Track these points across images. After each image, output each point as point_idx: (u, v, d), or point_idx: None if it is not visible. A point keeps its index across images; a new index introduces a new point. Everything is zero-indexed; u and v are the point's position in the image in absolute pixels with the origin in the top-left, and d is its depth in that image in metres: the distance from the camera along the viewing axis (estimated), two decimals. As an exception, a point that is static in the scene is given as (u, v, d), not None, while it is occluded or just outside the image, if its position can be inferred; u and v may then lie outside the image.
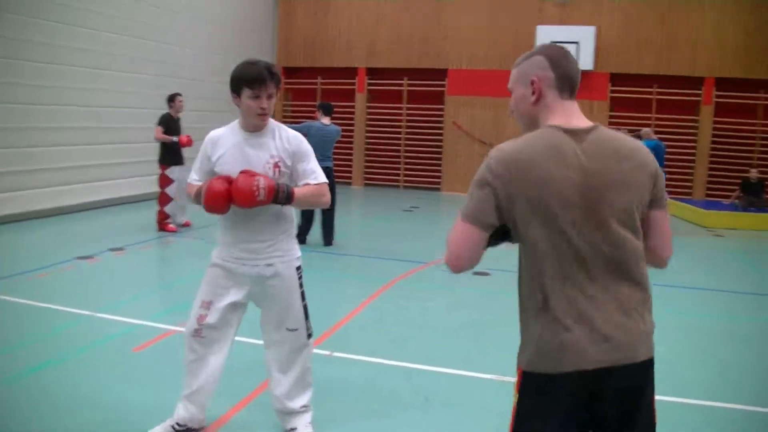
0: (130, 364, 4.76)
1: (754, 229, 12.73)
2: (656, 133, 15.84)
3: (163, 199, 9.76)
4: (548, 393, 2.02)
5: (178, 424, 3.61)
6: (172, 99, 9.86)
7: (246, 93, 3.30)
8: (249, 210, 3.29)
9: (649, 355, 2.04)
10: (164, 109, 9.87)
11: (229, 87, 3.36)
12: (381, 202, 15.25)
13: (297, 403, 3.69)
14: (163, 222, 9.79)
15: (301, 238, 9.04)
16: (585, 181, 1.99)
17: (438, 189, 17.27)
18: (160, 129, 9.61)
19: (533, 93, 2.14)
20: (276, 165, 3.40)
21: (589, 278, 1.99)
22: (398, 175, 17.55)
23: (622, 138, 2.12)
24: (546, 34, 15.83)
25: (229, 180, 3.26)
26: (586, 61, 15.78)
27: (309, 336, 3.66)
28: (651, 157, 2.11)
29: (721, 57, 15.62)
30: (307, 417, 3.74)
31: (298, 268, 3.61)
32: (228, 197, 3.22)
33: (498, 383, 4.64)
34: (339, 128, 9.33)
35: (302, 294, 3.62)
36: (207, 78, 14.69)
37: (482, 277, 7.92)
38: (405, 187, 17.41)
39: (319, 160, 9.09)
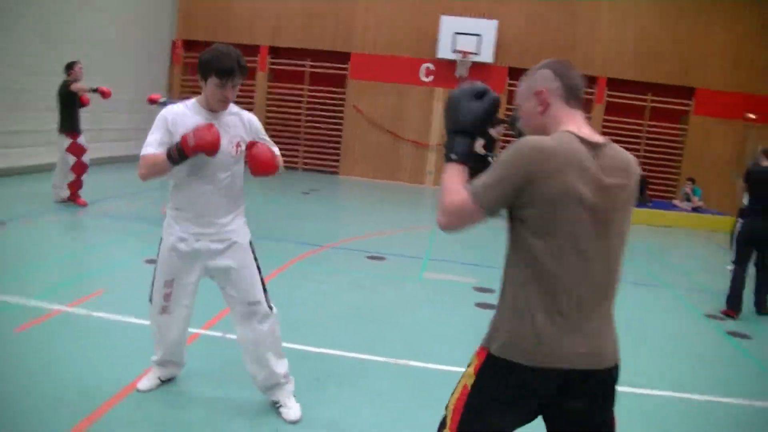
0: (13, 346, 4.45)
1: (636, 223, 13.35)
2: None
3: (80, 168, 9.21)
4: (512, 381, 2.08)
5: (160, 378, 3.99)
6: (70, 67, 9.14)
7: (213, 80, 3.40)
8: (215, 186, 3.52)
9: (616, 361, 2.18)
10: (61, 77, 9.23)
11: (198, 70, 3.45)
12: (279, 184, 15.06)
13: (280, 370, 3.78)
14: (76, 194, 9.30)
15: None
16: (600, 195, 2.05)
17: (336, 173, 17.21)
18: (80, 86, 9.01)
19: (540, 104, 2.21)
20: (237, 144, 3.57)
21: (583, 284, 2.08)
22: (297, 157, 17.37)
23: (623, 152, 2.20)
24: (449, 24, 16.05)
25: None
26: (486, 53, 16.07)
27: (270, 308, 3.74)
28: (637, 171, 2.21)
29: (616, 58, 16.29)
30: (289, 387, 3.86)
31: (251, 242, 3.79)
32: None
33: (391, 366, 4.67)
34: None
35: (258, 268, 3.76)
36: (107, 48, 14.14)
37: (378, 261, 7.96)
38: (304, 169, 17.26)
39: None
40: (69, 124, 9.20)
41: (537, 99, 2.22)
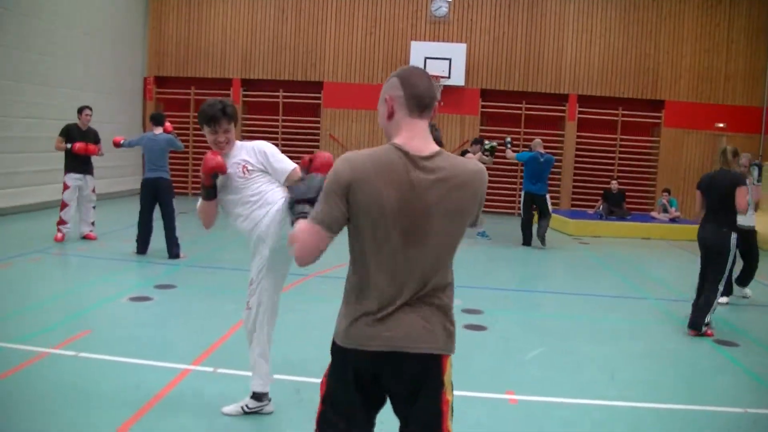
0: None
1: (616, 236, 13.53)
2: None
3: (62, 205, 9.75)
4: (342, 361, 2.35)
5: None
6: (80, 111, 9.97)
7: (205, 130, 3.99)
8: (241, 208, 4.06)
9: (431, 351, 2.29)
10: (64, 120, 10.06)
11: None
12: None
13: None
14: (58, 227, 9.71)
15: (142, 248, 8.99)
16: (411, 204, 2.20)
17: (315, 202, 17.15)
18: (59, 139, 9.73)
19: (387, 111, 2.34)
20: (244, 166, 3.99)
21: (391, 282, 2.24)
22: (275, 187, 17.29)
23: (460, 166, 2.28)
24: (419, 50, 16.21)
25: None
26: (457, 77, 16.25)
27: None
28: (481, 185, 2.33)
29: (584, 75, 16.55)
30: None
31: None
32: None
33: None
34: (170, 137, 9.12)
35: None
36: (85, 88, 14.25)
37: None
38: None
39: (153, 171, 8.99)
40: (65, 164, 9.90)
41: (386, 105, 2.35)
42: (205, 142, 4.06)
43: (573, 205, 16.66)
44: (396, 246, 2.23)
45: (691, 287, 8.71)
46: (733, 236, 6.35)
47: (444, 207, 2.23)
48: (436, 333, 2.30)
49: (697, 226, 6.73)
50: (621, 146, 16.77)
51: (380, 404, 2.45)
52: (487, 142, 12.08)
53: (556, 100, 16.76)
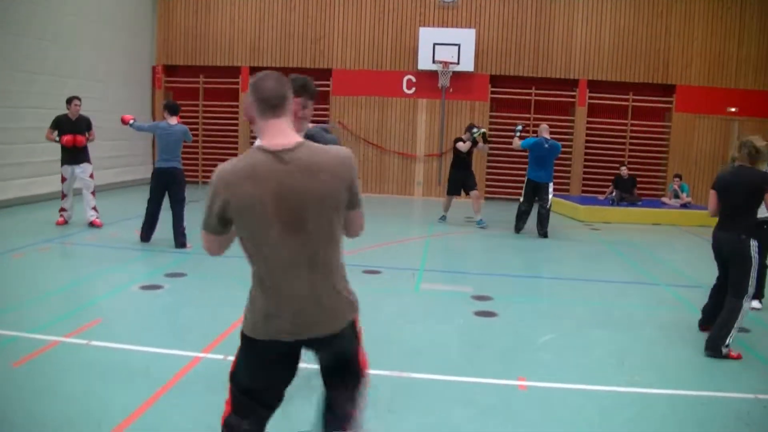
0: (11, 381, 4.39)
1: (626, 222, 13.47)
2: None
3: (61, 195, 10.25)
4: (254, 350, 2.57)
5: None
6: (68, 101, 10.05)
7: (299, 101, 3.64)
8: None
9: (335, 329, 2.57)
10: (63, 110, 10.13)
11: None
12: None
13: None
14: (60, 213, 10.23)
15: (146, 236, 9.11)
16: (282, 195, 2.38)
17: (325, 189, 17.16)
18: (49, 130, 9.92)
19: (250, 118, 2.58)
20: None
21: (290, 273, 2.46)
22: (284, 175, 17.30)
23: (321, 154, 2.47)
24: (428, 36, 16.13)
25: None
26: (467, 62, 16.15)
27: None
28: (345, 169, 2.49)
29: (594, 60, 16.43)
30: None
31: None
32: None
33: (394, 379, 4.65)
34: (185, 128, 9.13)
35: None
36: (95, 78, 14.35)
37: (373, 275, 7.94)
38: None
39: (166, 161, 9.05)
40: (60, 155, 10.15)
41: (248, 114, 2.59)
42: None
43: (583, 191, 16.58)
44: (279, 239, 2.42)
45: (703, 273, 8.69)
46: (753, 243, 5.45)
47: (313, 194, 2.41)
48: (338, 311, 2.58)
49: (707, 212, 6.10)
50: (632, 131, 16.66)
51: (292, 378, 2.71)
52: (475, 129, 11.87)
53: (566, 85, 16.65)
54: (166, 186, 8.96)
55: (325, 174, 2.43)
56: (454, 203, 12.40)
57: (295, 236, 2.43)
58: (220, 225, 2.51)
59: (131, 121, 9.11)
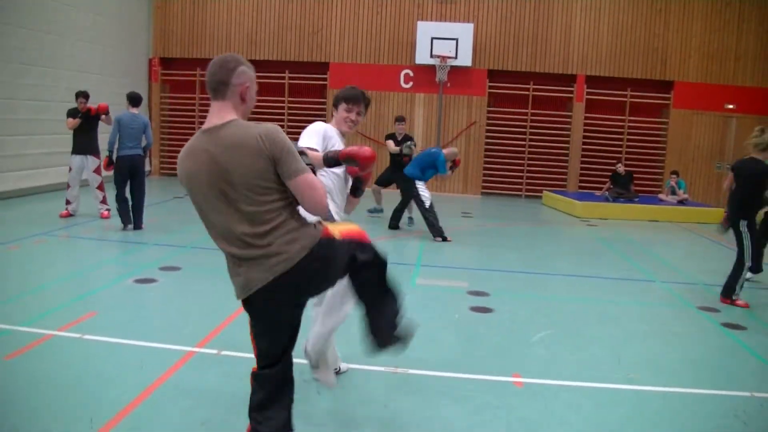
0: (2, 373, 4.36)
1: (623, 218, 13.46)
2: (533, 127, 16.50)
3: (67, 185, 10.37)
4: (247, 310, 2.93)
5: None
6: (76, 97, 10.25)
7: (343, 107, 4.33)
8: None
9: (275, 275, 2.72)
10: (70, 103, 10.47)
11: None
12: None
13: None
14: (66, 205, 10.37)
15: (126, 220, 9.44)
16: (212, 169, 2.65)
17: (321, 183, 17.10)
18: (68, 120, 10.20)
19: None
20: None
21: (226, 237, 2.74)
22: (281, 169, 17.25)
23: (243, 128, 2.68)
24: (426, 30, 16.08)
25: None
26: (465, 57, 16.11)
27: None
28: (265, 142, 2.65)
29: (592, 56, 16.40)
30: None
31: None
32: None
33: (390, 375, 4.63)
34: (148, 121, 9.68)
35: None
36: (91, 70, 14.39)
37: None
38: (288, 181, 17.13)
39: (130, 148, 9.34)
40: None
41: None
42: None
43: (580, 187, 16.57)
44: (218, 210, 2.71)
45: (699, 270, 8.68)
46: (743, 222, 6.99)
47: (236, 167, 2.63)
48: (281, 254, 2.73)
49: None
50: (629, 127, 16.65)
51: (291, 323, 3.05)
52: (409, 143, 11.31)
53: (563, 80, 16.62)
54: (131, 172, 9.38)
55: (244, 149, 2.63)
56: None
57: (227, 206, 2.69)
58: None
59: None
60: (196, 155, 2.70)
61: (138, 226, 9.49)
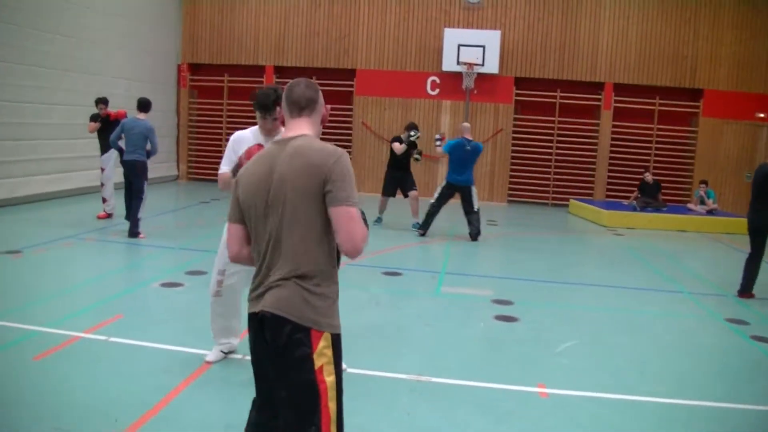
0: (30, 374, 4.42)
1: (651, 228, 13.31)
2: (560, 135, 16.40)
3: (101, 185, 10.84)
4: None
5: (222, 351, 4.87)
6: (96, 103, 10.68)
7: (257, 114, 4.37)
8: None
9: (278, 312, 2.44)
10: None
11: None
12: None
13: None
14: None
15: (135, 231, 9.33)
16: (267, 177, 2.56)
17: (347, 189, 17.13)
18: (90, 124, 10.71)
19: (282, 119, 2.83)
20: None
21: (262, 248, 2.58)
22: (307, 175, 17.31)
23: (311, 144, 2.59)
24: (453, 37, 16.07)
25: None
26: (491, 64, 16.06)
27: None
28: (327, 162, 2.50)
29: (620, 63, 16.27)
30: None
31: None
32: None
33: (413, 382, 4.62)
34: (151, 126, 9.51)
35: None
36: (122, 75, 14.57)
37: (394, 276, 7.91)
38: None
39: (129, 153, 9.41)
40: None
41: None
42: (239, 129, 4.35)
43: (608, 196, 16.43)
44: (261, 215, 2.58)
45: (727, 282, 8.56)
46: None
47: (288, 177, 2.51)
48: (287, 299, 2.47)
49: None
50: (657, 136, 16.48)
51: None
52: (413, 132, 11.11)
53: (591, 88, 16.50)
54: (128, 177, 9.50)
55: (301, 159, 2.52)
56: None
57: (272, 214, 2.54)
58: (237, 212, 2.69)
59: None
60: (262, 160, 2.65)
61: (134, 233, 9.23)
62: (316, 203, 2.49)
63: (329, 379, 2.47)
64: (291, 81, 2.81)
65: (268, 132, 4.43)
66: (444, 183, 10.75)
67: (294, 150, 2.56)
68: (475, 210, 10.61)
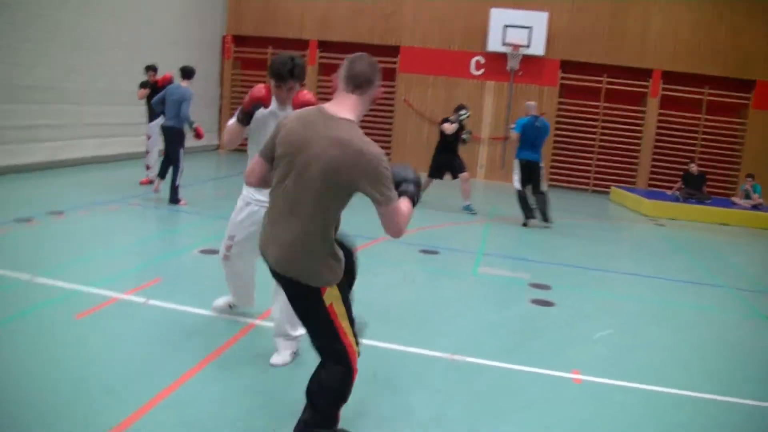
0: (72, 331, 4.51)
1: (693, 220, 13.05)
2: (604, 121, 16.13)
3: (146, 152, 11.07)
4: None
5: (230, 305, 5.04)
6: (146, 70, 11.02)
7: (272, 82, 4.17)
8: None
9: (289, 274, 2.88)
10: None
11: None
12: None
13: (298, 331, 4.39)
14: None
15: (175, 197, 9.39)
16: (306, 146, 2.76)
17: (386, 167, 17.11)
18: (140, 91, 10.99)
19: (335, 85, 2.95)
20: None
21: (282, 209, 2.86)
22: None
23: (348, 138, 2.74)
24: (499, 17, 15.87)
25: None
26: (537, 46, 15.84)
27: None
28: (357, 162, 2.72)
29: (670, 50, 15.90)
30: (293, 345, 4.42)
31: None
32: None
33: (447, 361, 4.61)
34: (188, 92, 9.38)
35: None
36: (166, 44, 14.64)
37: (431, 255, 7.89)
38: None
39: (167, 119, 9.49)
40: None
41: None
42: None
43: (650, 185, 16.16)
44: (289, 178, 2.82)
45: (771, 277, 8.37)
46: None
47: (321, 160, 2.73)
48: (299, 261, 2.88)
49: None
50: (705, 126, 16.12)
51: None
52: (463, 111, 11.27)
53: (638, 74, 16.17)
54: (165, 143, 9.59)
55: (339, 151, 2.71)
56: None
57: (298, 181, 2.78)
58: (268, 151, 2.96)
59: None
60: (306, 125, 2.82)
61: (174, 200, 9.38)
62: (336, 192, 2.79)
63: (339, 309, 2.96)
64: (354, 54, 2.93)
65: (283, 101, 4.24)
66: (517, 164, 10.61)
67: (336, 137, 2.74)
68: (542, 191, 10.59)
